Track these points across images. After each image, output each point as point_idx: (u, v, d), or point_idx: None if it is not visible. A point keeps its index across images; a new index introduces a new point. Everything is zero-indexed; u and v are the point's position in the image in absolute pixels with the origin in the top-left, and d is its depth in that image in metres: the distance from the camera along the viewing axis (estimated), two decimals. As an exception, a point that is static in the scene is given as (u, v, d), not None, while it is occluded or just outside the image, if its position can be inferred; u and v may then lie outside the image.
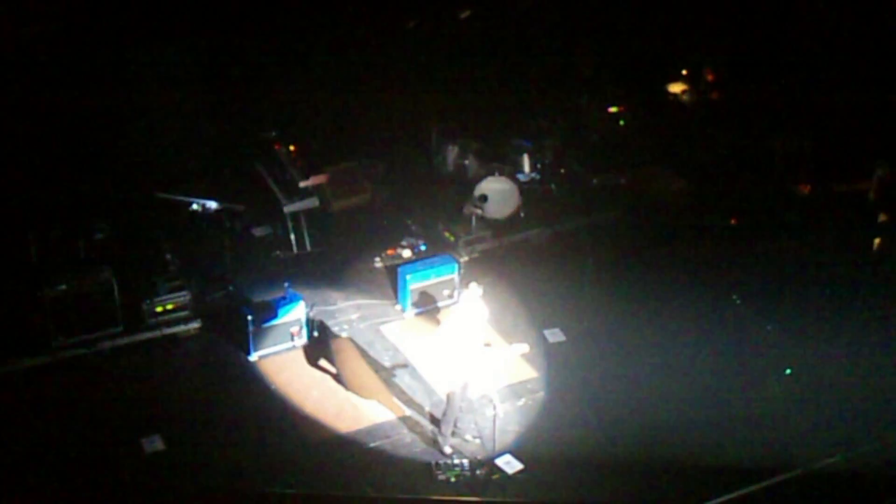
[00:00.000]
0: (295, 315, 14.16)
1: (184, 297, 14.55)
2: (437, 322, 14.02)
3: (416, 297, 14.97)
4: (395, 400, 13.42)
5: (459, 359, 12.19)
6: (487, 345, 12.55)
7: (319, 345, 14.33)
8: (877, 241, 16.23)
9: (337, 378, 13.76)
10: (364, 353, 14.26)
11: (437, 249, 16.20)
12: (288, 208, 16.17)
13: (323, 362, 14.06)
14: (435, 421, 12.90)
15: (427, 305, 15.04)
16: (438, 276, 15.08)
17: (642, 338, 14.58)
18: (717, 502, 12.03)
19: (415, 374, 13.85)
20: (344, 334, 14.62)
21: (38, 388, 13.48)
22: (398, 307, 15.19)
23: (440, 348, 12.42)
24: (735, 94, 19.17)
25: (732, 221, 17.36)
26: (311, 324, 14.35)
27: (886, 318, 14.82)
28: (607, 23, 19.97)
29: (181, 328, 14.51)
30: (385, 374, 13.88)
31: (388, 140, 18.66)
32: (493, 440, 12.31)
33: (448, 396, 12.51)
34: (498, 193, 16.86)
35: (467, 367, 12.23)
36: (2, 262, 15.10)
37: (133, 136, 17.07)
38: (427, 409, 13.22)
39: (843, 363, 14.04)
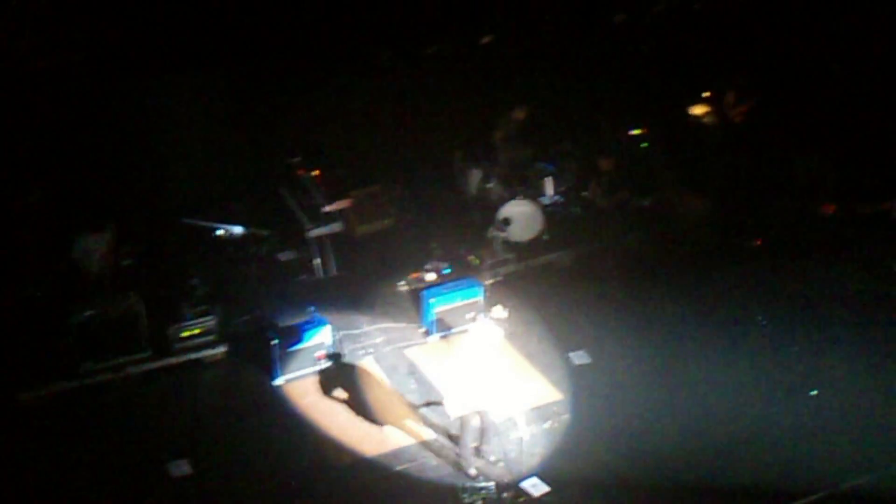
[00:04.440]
0: (320, 339, 14.21)
1: (210, 321, 14.62)
2: (460, 345, 13.99)
3: (439, 321, 14.99)
4: (421, 423, 13.44)
5: (475, 384, 12.20)
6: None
7: (342, 370, 14.36)
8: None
9: (361, 406, 13.79)
10: (387, 379, 14.28)
11: (462, 273, 16.24)
12: (312, 233, 16.25)
13: (348, 387, 14.08)
14: (456, 443, 12.92)
15: (451, 329, 15.05)
16: (463, 299, 15.11)
17: (667, 359, 14.53)
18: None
19: (437, 398, 13.86)
20: (368, 358, 14.65)
21: (65, 413, 13.57)
22: (422, 330, 15.22)
23: (461, 372, 12.42)
24: (758, 115, 19.14)
25: (757, 242, 17.32)
26: (331, 354, 14.39)
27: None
28: (630, 46, 20.03)
29: (207, 353, 14.59)
30: (409, 398, 13.89)
31: (412, 164, 18.74)
32: (520, 463, 12.29)
33: (462, 421, 12.53)
34: (521, 216, 16.91)
35: (483, 392, 12.22)
36: (29, 287, 15.23)
37: (159, 162, 17.21)
38: (452, 431, 13.22)
39: (868, 383, 13.95)
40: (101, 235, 14.90)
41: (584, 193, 18.21)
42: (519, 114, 18.17)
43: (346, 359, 14.55)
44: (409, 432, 13.27)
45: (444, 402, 12.78)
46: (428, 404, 13.70)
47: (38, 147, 16.20)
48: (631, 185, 18.23)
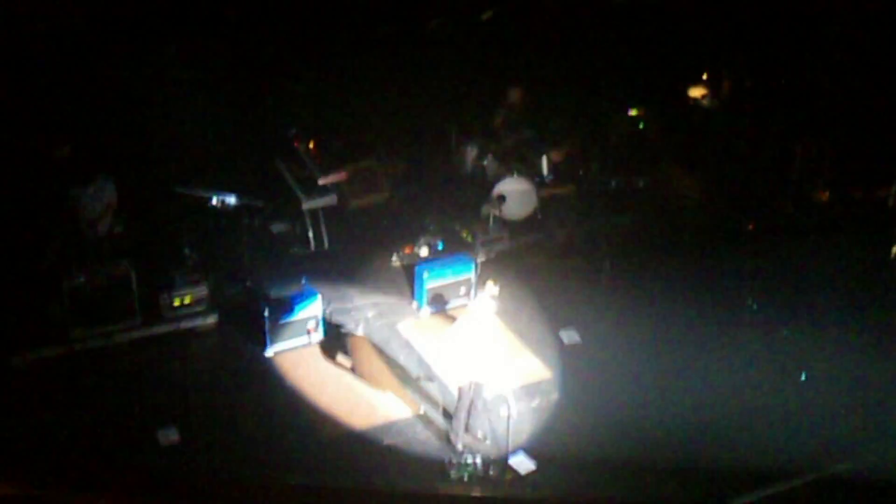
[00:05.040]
0: (311, 311, 14.22)
1: (202, 291, 14.63)
2: (452, 320, 14.01)
3: (432, 296, 15.00)
4: (410, 398, 13.46)
5: (472, 359, 12.23)
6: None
7: (335, 341, 14.38)
8: (895, 248, 16.19)
9: (352, 378, 13.81)
10: (380, 351, 14.30)
11: (455, 249, 16.24)
12: (307, 205, 16.24)
13: (338, 359, 14.11)
14: (448, 416, 12.94)
15: (443, 304, 15.07)
16: (455, 275, 15.12)
17: (657, 340, 14.56)
18: (729, 506, 12.07)
19: (430, 373, 13.89)
20: (360, 331, 14.66)
21: (55, 379, 13.59)
22: (415, 305, 15.23)
23: (454, 347, 12.45)
24: (755, 98, 19.12)
25: (750, 226, 17.33)
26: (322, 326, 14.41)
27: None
28: (629, 25, 19.96)
29: (198, 322, 14.60)
30: (400, 372, 13.93)
31: (408, 139, 18.69)
32: (507, 440, 12.34)
33: (459, 392, 12.56)
34: (516, 194, 16.88)
35: (479, 367, 12.26)
36: (22, 253, 15.20)
37: (154, 130, 17.15)
38: (441, 406, 13.25)
39: (858, 369, 13.99)
40: (96, 189, 14.83)
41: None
42: (514, 96, 18.05)
43: (338, 331, 14.55)
44: (401, 405, 13.31)
45: (439, 374, 12.82)
46: (423, 377, 13.74)
47: (29, 115, 16.17)
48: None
